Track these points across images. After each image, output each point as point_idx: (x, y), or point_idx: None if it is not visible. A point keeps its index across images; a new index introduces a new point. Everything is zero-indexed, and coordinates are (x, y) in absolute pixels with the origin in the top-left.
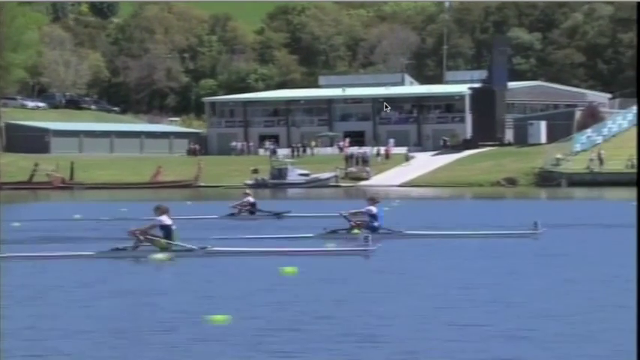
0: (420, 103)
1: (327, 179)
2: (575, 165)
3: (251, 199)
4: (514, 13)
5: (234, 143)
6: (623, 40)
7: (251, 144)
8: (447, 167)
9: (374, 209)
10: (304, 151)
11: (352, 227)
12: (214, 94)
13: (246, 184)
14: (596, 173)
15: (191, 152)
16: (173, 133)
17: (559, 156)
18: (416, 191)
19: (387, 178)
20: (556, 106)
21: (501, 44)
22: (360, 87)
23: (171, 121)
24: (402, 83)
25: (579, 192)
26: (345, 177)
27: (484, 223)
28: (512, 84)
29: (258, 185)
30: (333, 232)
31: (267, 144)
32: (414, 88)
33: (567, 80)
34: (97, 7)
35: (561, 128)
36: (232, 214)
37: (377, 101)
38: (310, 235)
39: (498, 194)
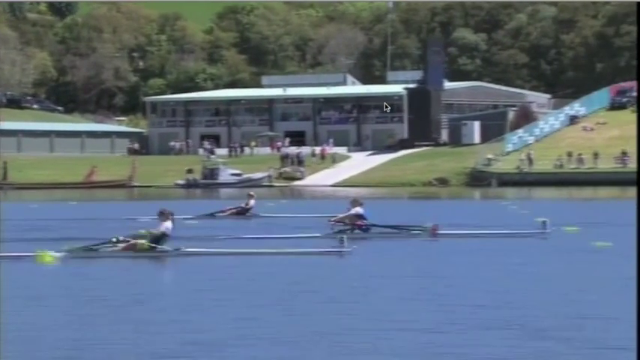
0: (360, 103)
1: (260, 179)
2: (505, 165)
3: (252, 202)
4: (460, 13)
5: (172, 143)
6: (565, 41)
7: (190, 143)
8: (381, 167)
9: (361, 210)
10: (242, 151)
11: (353, 227)
12: (163, 93)
13: (177, 184)
14: (525, 173)
15: (131, 152)
16: (115, 132)
17: (490, 156)
18: (349, 191)
19: (321, 178)
20: (495, 107)
21: (435, 45)
22: (303, 87)
23: (118, 120)
24: (344, 83)
25: (510, 192)
26: (278, 177)
27: (486, 223)
28: (452, 84)
29: (189, 185)
30: (341, 232)
31: (206, 144)
32: (354, 89)
33: (511, 80)
34: (55, 7)
35: (495, 128)
36: (211, 214)
37: (317, 101)
38: (318, 234)
39: (431, 194)
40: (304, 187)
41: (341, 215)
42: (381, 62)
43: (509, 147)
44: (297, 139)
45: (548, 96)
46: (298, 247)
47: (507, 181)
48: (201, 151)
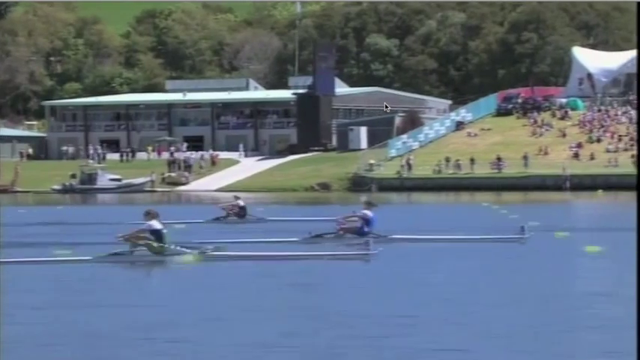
0: (258, 108)
1: (142, 184)
2: (387, 170)
3: (241, 202)
4: (374, 19)
5: (64, 148)
6: (472, 47)
7: (90, 147)
8: (266, 172)
9: (370, 214)
10: (133, 155)
11: (340, 231)
12: (79, 97)
13: (53, 190)
14: (404, 178)
15: (27, 157)
16: (16, 137)
17: (372, 161)
18: (230, 196)
19: (206, 184)
20: (395, 112)
21: (323, 50)
22: (205, 92)
23: (28, 125)
24: (246, 88)
25: (391, 197)
26: (162, 182)
27: (464, 227)
28: (351, 90)
29: (66, 190)
30: (319, 236)
31: (98, 148)
32: (252, 94)
33: (420, 86)
34: None
35: (382, 134)
36: (218, 218)
37: (215, 106)
38: (295, 239)
39: (313, 199)
40: (187, 193)
41: (348, 215)
42: (294, 67)
43: (393, 152)
44: (196, 143)
45: (449, 102)
46: (326, 251)
47: (387, 186)
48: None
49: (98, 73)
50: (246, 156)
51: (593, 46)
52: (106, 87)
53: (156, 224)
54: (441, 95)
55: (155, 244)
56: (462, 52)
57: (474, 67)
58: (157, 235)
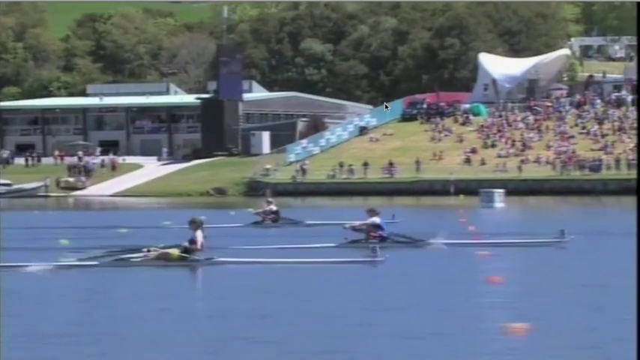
0: (173, 112)
1: (34, 189)
2: (283, 175)
3: (274, 207)
4: (309, 24)
5: None
6: (400, 52)
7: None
8: (166, 177)
9: (377, 220)
10: (39, 160)
11: (368, 237)
12: (17, 101)
13: None
14: (298, 183)
15: None
16: None
17: (268, 166)
18: (127, 201)
19: (104, 188)
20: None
21: (225, 55)
22: (125, 96)
23: None
24: (167, 93)
25: (287, 201)
26: (57, 186)
27: (501, 232)
28: (267, 94)
29: None
30: (355, 242)
31: (5, 153)
32: (167, 98)
33: (351, 91)
34: None
35: (285, 138)
36: (257, 222)
37: (131, 110)
38: (332, 244)
39: (208, 203)
40: (83, 197)
41: (357, 223)
42: None
43: (292, 157)
44: (111, 148)
45: (370, 107)
46: (332, 257)
47: (282, 191)
48: (20, 160)
49: (36, 77)
50: (158, 160)
51: (516, 52)
52: (44, 91)
53: (199, 235)
54: (371, 100)
55: (177, 255)
56: (391, 57)
57: (401, 72)
58: (193, 246)
